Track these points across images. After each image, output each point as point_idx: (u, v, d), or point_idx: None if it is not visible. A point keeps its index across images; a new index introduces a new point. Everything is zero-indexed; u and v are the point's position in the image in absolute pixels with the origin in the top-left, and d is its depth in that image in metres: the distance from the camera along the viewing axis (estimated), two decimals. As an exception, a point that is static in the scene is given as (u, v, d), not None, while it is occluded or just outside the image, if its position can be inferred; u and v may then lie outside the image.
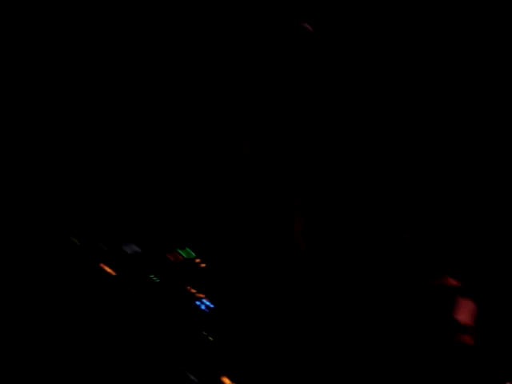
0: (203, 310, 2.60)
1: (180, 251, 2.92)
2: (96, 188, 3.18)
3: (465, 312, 2.68)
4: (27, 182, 3.16)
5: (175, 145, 3.27)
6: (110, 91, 3.35)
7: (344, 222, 3.11)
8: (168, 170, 3.22)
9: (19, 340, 2.52)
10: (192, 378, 2.37)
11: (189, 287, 2.70)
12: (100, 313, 2.62)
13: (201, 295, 2.67)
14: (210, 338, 2.46)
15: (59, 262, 2.89)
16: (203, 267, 2.82)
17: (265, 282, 2.78)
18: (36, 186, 3.16)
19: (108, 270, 2.83)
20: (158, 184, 3.19)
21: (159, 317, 2.55)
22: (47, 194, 3.14)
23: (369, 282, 2.93)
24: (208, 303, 2.64)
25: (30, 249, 2.95)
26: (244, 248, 2.93)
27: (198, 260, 2.87)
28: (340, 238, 3.09)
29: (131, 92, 3.35)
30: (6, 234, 3.00)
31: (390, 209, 3.12)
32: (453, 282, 2.81)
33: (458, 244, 2.97)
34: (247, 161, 3.18)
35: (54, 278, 2.83)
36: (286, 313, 2.68)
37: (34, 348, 2.51)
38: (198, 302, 2.63)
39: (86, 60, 3.32)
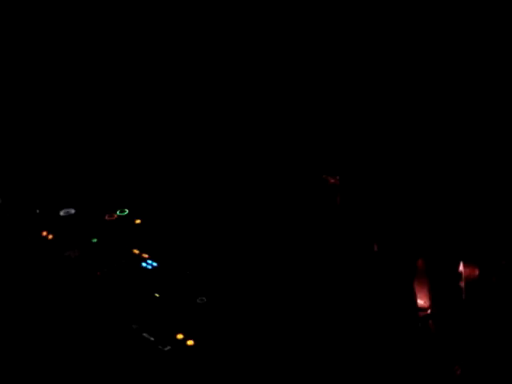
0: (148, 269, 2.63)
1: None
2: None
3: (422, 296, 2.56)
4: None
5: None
6: (110, 91, 3.38)
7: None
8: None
9: None
10: (146, 336, 2.33)
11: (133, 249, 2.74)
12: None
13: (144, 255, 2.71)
14: (157, 295, 2.46)
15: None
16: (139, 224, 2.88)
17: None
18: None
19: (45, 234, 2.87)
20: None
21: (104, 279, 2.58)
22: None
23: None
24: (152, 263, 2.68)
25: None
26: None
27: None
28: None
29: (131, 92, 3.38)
30: None
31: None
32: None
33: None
34: None
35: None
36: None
37: None
38: (143, 264, 2.67)
39: (86, 60, 3.38)
